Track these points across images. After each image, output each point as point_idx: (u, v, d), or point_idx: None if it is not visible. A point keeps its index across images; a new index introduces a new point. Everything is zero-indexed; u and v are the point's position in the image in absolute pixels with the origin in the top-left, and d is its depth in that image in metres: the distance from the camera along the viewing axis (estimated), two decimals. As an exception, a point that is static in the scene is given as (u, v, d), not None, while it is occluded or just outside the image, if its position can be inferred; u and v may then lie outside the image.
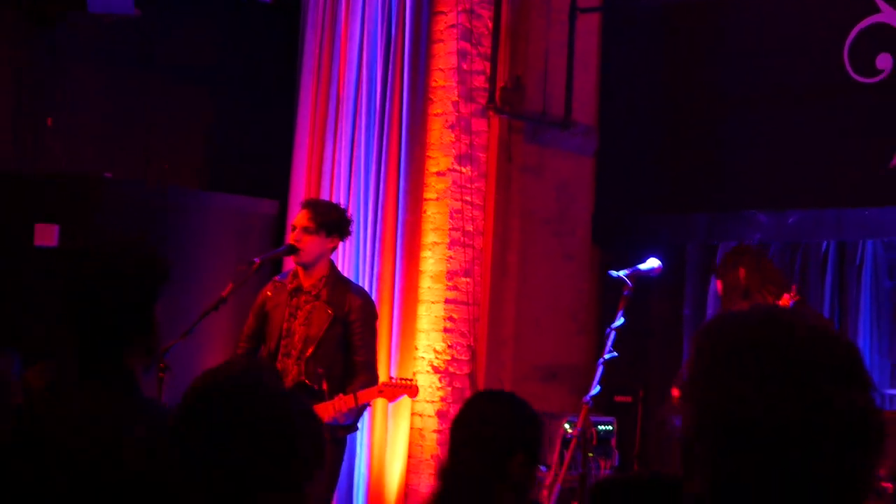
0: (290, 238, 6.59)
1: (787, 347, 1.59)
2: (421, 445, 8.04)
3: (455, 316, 8.11)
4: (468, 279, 8.14)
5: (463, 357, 8.11)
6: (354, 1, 8.47)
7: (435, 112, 8.24)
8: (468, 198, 8.16)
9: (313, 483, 2.25)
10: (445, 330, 8.09)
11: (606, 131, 8.95)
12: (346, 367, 6.51)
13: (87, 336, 2.82)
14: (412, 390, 6.48)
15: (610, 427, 7.75)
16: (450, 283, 8.11)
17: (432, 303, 8.14)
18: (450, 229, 8.12)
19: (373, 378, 6.51)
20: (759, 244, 7.96)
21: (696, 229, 8.41)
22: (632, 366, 7.78)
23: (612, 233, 8.92)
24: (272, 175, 8.73)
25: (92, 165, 8.01)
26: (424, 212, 8.22)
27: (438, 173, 8.19)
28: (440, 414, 8.00)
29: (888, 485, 5.38)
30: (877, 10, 7.71)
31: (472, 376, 8.10)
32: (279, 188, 8.64)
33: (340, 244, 6.80)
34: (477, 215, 8.21)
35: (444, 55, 8.22)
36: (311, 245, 6.51)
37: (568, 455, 6.03)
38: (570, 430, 7.29)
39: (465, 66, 8.20)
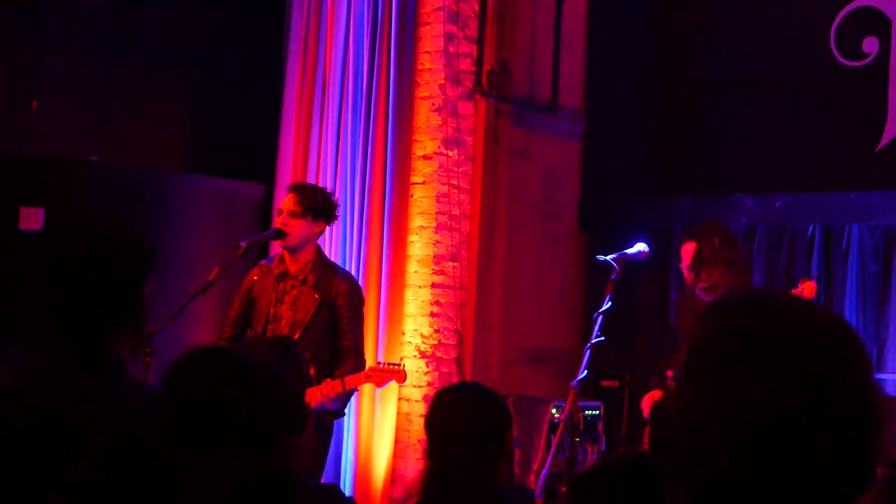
0: (277, 222, 6.57)
1: (790, 334, 1.57)
2: (408, 430, 8.03)
3: (442, 300, 8.10)
4: (455, 263, 8.13)
5: (450, 341, 8.10)
6: (341, -16, 8.44)
7: (421, 95, 8.22)
8: (455, 182, 8.15)
9: (295, 449, 2.24)
10: (432, 314, 8.08)
11: (593, 115, 8.94)
12: (333, 352, 6.50)
13: (72, 319, 2.79)
14: (400, 375, 6.47)
15: (597, 412, 7.76)
16: (436, 268, 8.10)
17: (419, 287, 8.13)
18: (436, 213, 8.10)
19: (360, 363, 6.50)
20: (746, 228, 7.98)
21: (682, 213, 8.41)
22: (619, 350, 7.80)
23: (599, 217, 8.92)
24: (258, 158, 8.71)
25: (77, 148, 7.98)
26: (411, 196, 8.20)
27: (425, 157, 8.17)
28: (427, 399, 7.99)
29: (878, 469, 5.40)
30: (863, -7, 7.71)
31: (458, 361, 8.10)
32: (265, 171, 8.62)
33: (327, 229, 6.78)
34: (464, 199, 8.19)
35: (431, 38, 8.19)
36: (297, 229, 6.49)
37: (555, 440, 6.04)
38: (557, 415, 7.30)
39: (451, 49, 8.18)
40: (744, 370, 1.55)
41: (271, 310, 6.49)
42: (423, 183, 8.16)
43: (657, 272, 8.31)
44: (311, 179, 8.31)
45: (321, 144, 8.45)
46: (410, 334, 8.11)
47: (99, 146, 8.17)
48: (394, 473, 8.06)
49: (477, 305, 8.18)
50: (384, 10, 8.26)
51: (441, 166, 8.12)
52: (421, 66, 8.24)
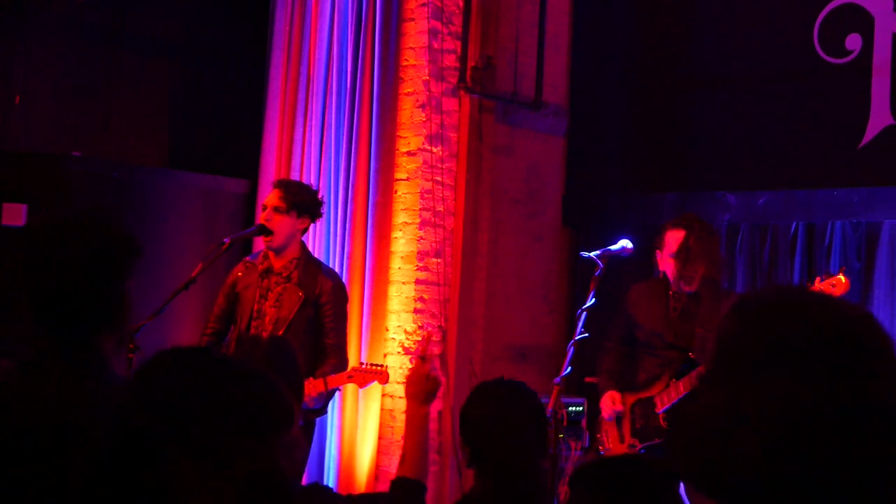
0: (261, 218, 6.56)
1: (826, 331, 1.55)
2: (391, 427, 8.03)
3: (426, 296, 8.10)
4: (439, 260, 8.13)
5: (434, 338, 8.09)
6: (325, -21, 8.43)
7: (406, 91, 8.21)
8: (439, 178, 8.14)
9: (288, 450, 2.22)
10: (416, 311, 8.08)
11: (577, 112, 8.95)
12: (316, 350, 6.49)
13: (55, 315, 2.78)
14: (382, 376, 6.46)
15: (580, 408, 7.76)
16: (420, 264, 8.10)
17: (403, 283, 8.12)
18: (420, 209, 8.10)
19: (343, 361, 6.50)
20: (729, 225, 7.99)
21: (666, 210, 8.41)
22: (603, 346, 7.79)
23: (583, 213, 8.92)
24: (242, 154, 8.70)
25: (60, 144, 7.95)
26: (395, 192, 8.20)
27: (409, 153, 8.16)
28: (411, 394, 7.98)
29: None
30: (847, -10, 7.73)
31: (442, 357, 8.10)
32: (249, 167, 8.61)
33: (311, 225, 6.78)
34: (448, 195, 8.19)
35: (415, 34, 8.19)
36: (281, 225, 6.48)
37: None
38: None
39: (436, 45, 8.17)
40: (782, 370, 1.53)
41: (255, 306, 6.48)
42: (407, 179, 8.16)
43: (641, 269, 8.31)
44: (294, 175, 8.31)
45: (305, 140, 8.44)
46: (394, 331, 8.10)
47: (82, 142, 8.14)
48: (377, 470, 8.05)
49: (461, 302, 8.17)
50: (368, 6, 8.25)
51: (425, 162, 8.11)
52: (405, 62, 8.23)
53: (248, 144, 8.64)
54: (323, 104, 8.40)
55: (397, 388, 8.01)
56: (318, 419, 6.77)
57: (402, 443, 7.64)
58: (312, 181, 8.15)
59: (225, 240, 6.42)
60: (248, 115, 8.75)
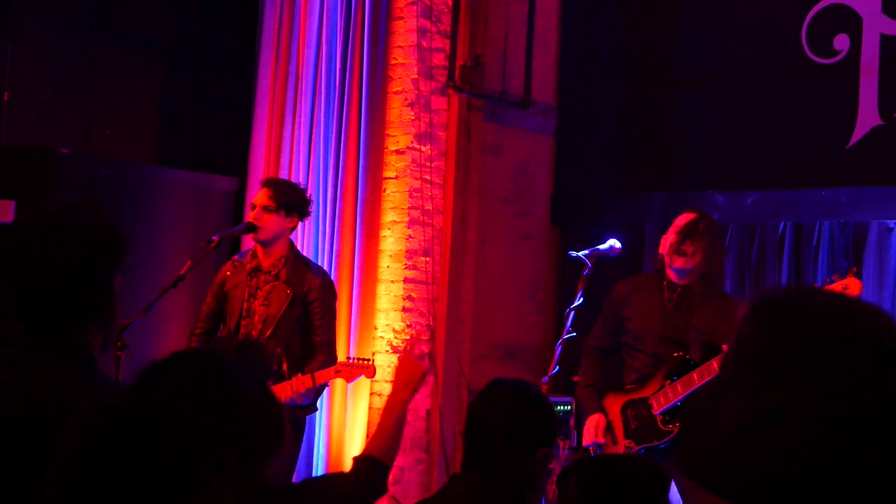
0: (250, 217, 6.56)
1: (849, 331, 1.54)
2: (379, 424, 8.02)
3: (414, 295, 8.10)
4: (427, 258, 8.13)
5: (423, 337, 8.09)
6: (314, -23, 8.43)
7: (394, 90, 8.21)
8: (427, 176, 8.14)
9: (273, 461, 2.21)
10: (404, 309, 8.08)
11: (566, 111, 8.96)
12: (305, 348, 6.50)
13: (41, 311, 2.76)
14: (369, 370, 6.46)
15: (568, 407, 7.76)
16: (409, 263, 8.10)
17: (391, 282, 8.12)
18: (409, 208, 8.10)
19: (331, 358, 6.50)
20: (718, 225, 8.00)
21: (654, 210, 8.43)
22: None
23: (571, 212, 8.93)
24: (231, 152, 8.69)
25: (48, 140, 7.94)
26: (384, 190, 8.20)
27: (398, 151, 8.16)
28: (399, 393, 7.98)
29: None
30: (835, -9, 7.75)
31: (430, 356, 8.10)
32: (238, 165, 8.60)
33: (299, 224, 6.78)
34: (436, 194, 8.19)
35: (404, 32, 8.19)
36: (270, 224, 6.48)
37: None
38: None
39: (424, 44, 8.17)
40: (806, 370, 1.53)
41: (244, 305, 6.49)
42: (396, 178, 8.16)
43: (629, 268, 8.32)
44: (283, 173, 8.31)
45: (294, 138, 8.44)
46: (382, 329, 8.10)
47: (70, 139, 8.13)
48: (365, 468, 8.05)
49: (449, 301, 8.18)
50: (357, 4, 8.25)
51: (414, 161, 8.11)
52: (394, 61, 8.23)
53: (237, 142, 8.64)
54: (312, 102, 8.40)
55: (385, 386, 8.01)
56: (307, 417, 6.77)
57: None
58: (301, 179, 8.15)
59: (213, 238, 6.42)
60: (237, 113, 8.74)
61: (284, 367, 6.36)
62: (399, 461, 7.89)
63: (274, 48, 8.56)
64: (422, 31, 8.15)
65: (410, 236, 8.09)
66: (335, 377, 6.46)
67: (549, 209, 8.93)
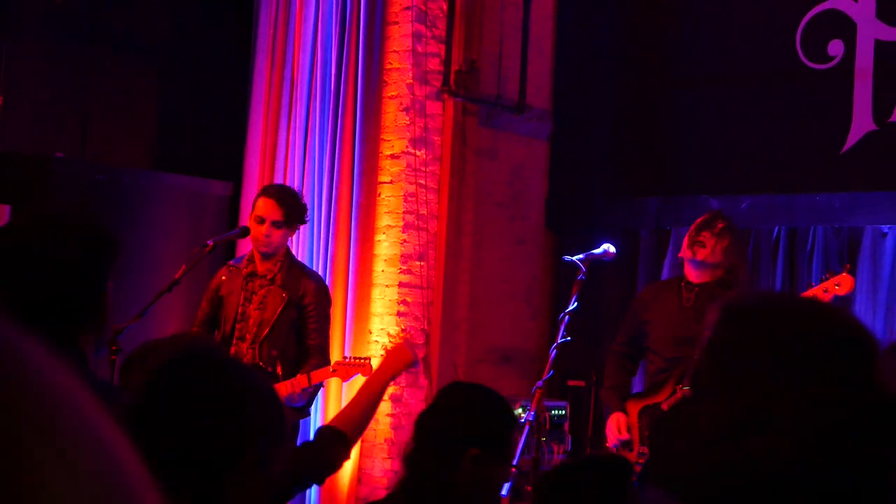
0: (262, 231, 6.48)
1: (823, 336, 1.57)
2: (374, 429, 8.03)
3: (409, 300, 8.11)
4: (422, 263, 8.13)
5: (417, 341, 8.10)
6: (309, -18, 8.43)
7: (389, 94, 8.22)
8: (422, 181, 8.15)
9: (276, 459, 2.22)
10: (399, 314, 8.08)
11: (561, 115, 8.97)
12: (299, 351, 6.50)
13: (32, 313, 2.75)
14: (366, 369, 6.44)
15: (563, 411, 7.77)
16: (404, 267, 8.10)
17: (386, 286, 8.13)
18: (404, 212, 8.11)
19: (325, 361, 6.51)
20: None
21: (649, 214, 8.45)
22: (585, 350, 7.80)
23: (566, 217, 8.94)
24: (226, 157, 8.69)
25: (43, 145, 7.94)
26: (379, 195, 8.20)
27: (393, 156, 8.17)
28: (394, 398, 7.99)
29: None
30: (829, -4, 7.77)
31: (425, 360, 8.10)
32: (233, 169, 8.60)
33: (294, 228, 6.79)
34: (431, 199, 8.20)
35: (399, 37, 8.20)
36: (278, 238, 6.50)
37: (521, 439, 6.04)
38: (523, 415, 7.30)
39: (419, 49, 8.18)
40: (785, 374, 1.54)
41: (240, 309, 6.49)
42: (391, 182, 8.17)
43: (624, 272, 8.33)
44: (278, 178, 8.31)
45: (289, 143, 8.44)
46: (377, 333, 8.11)
47: (65, 143, 8.13)
48: (360, 472, 8.05)
49: (444, 305, 8.18)
50: (352, 9, 8.25)
51: (409, 166, 8.12)
52: (389, 66, 8.24)
53: (232, 146, 8.63)
54: (307, 107, 8.40)
55: (380, 390, 8.01)
56: (300, 421, 6.78)
57: (385, 445, 7.62)
58: (296, 184, 8.15)
59: (208, 242, 6.41)
60: (232, 118, 8.74)
61: (279, 369, 6.37)
62: (394, 465, 7.89)
63: (269, 53, 8.56)
64: (417, 36, 8.16)
65: (405, 241, 8.10)
66: (331, 376, 6.46)
67: (544, 214, 8.95)
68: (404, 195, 8.10)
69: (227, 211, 8.56)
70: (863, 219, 7.59)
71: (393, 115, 8.18)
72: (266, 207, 6.46)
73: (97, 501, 0.75)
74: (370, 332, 8.12)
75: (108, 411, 0.82)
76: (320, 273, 7.73)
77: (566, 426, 7.74)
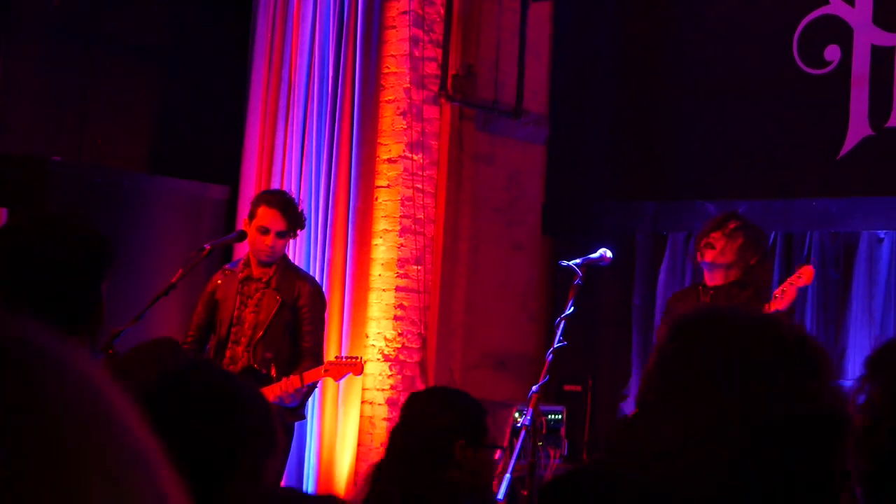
0: (266, 242, 6.47)
1: (770, 349, 1.59)
2: (371, 433, 8.03)
3: (406, 304, 8.11)
4: (419, 267, 8.14)
5: (413, 345, 8.10)
6: (307, -14, 8.44)
7: (387, 99, 8.23)
8: (419, 185, 8.16)
9: (269, 467, 2.24)
10: (396, 318, 8.09)
11: (558, 120, 8.97)
12: (294, 354, 6.50)
13: (26, 314, 2.73)
14: (357, 367, 6.43)
15: (559, 416, 7.77)
16: (400, 271, 8.11)
17: (383, 290, 8.13)
18: (401, 217, 8.11)
19: (318, 363, 6.50)
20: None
21: (645, 219, 8.46)
22: (581, 355, 7.81)
23: (563, 222, 8.95)
24: (223, 160, 8.68)
25: (41, 148, 7.94)
26: (376, 199, 8.21)
27: (390, 160, 8.18)
28: (390, 402, 7.99)
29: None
30: (825, 1, 7.77)
31: (422, 364, 8.11)
32: (230, 173, 8.60)
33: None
34: (428, 203, 8.20)
35: (397, 41, 8.20)
36: (281, 247, 6.53)
37: (518, 444, 6.04)
38: (519, 419, 7.31)
39: (417, 53, 8.19)
40: (739, 386, 1.56)
41: (235, 313, 6.49)
42: (388, 186, 8.17)
43: (620, 277, 8.34)
44: (275, 182, 8.31)
45: (286, 147, 8.44)
46: (374, 337, 8.11)
47: (62, 146, 8.12)
48: (356, 476, 8.05)
49: (440, 309, 8.18)
50: (350, 13, 8.26)
51: (406, 170, 8.12)
52: (386, 70, 8.24)
53: (229, 150, 8.64)
54: (304, 111, 8.40)
55: (377, 394, 8.03)
56: (297, 424, 6.78)
57: (381, 449, 7.63)
58: (293, 188, 8.15)
59: (205, 245, 6.41)
60: (229, 121, 8.74)
61: (273, 372, 6.37)
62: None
63: (266, 56, 8.56)
64: (414, 41, 8.17)
65: (402, 245, 8.10)
66: (324, 376, 6.46)
67: (540, 218, 8.95)
68: (401, 199, 8.11)
69: (224, 214, 8.56)
70: (859, 224, 7.60)
71: (390, 120, 8.19)
72: (270, 217, 6.44)
73: None
74: (367, 336, 8.12)
75: (144, 421, 0.83)
76: (317, 277, 7.74)
77: (563, 431, 7.74)
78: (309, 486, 8.03)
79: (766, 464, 1.54)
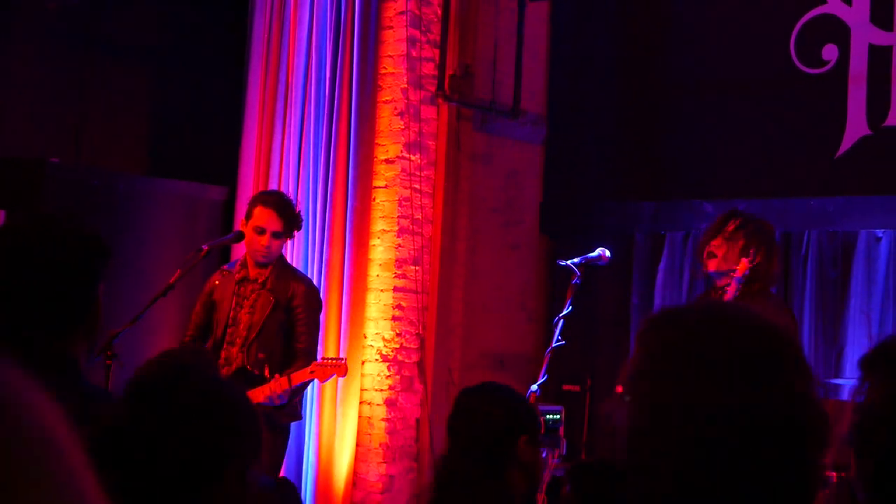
0: (262, 242, 6.48)
1: (732, 342, 1.61)
2: (369, 434, 8.03)
3: (404, 304, 8.11)
4: (417, 267, 8.14)
5: (411, 345, 8.10)
6: (304, -13, 8.44)
7: (384, 99, 8.23)
8: (417, 186, 8.16)
9: (252, 471, 2.24)
10: (394, 318, 8.09)
11: (555, 120, 8.98)
12: (287, 354, 6.50)
13: (24, 318, 2.73)
14: (341, 369, 6.43)
15: (558, 416, 7.77)
16: (398, 272, 8.11)
17: (381, 291, 8.13)
18: (398, 217, 8.11)
19: (309, 364, 6.51)
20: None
21: (643, 218, 8.46)
22: (580, 354, 7.81)
23: (561, 221, 8.95)
24: (220, 161, 8.68)
25: (38, 150, 7.93)
26: (373, 199, 8.21)
27: (387, 161, 8.17)
28: (388, 402, 7.99)
29: (832, 473, 5.44)
30: (823, 1, 7.78)
31: (420, 364, 8.10)
32: (227, 174, 8.60)
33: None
34: (426, 203, 8.20)
35: (394, 42, 8.20)
36: (279, 248, 6.54)
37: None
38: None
39: (414, 54, 8.19)
40: (704, 381, 1.58)
41: (231, 314, 6.50)
42: (386, 187, 8.17)
43: (618, 277, 8.34)
44: (273, 183, 8.31)
45: (283, 147, 8.44)
46: (372, 338, 8.11)
47: (59, 148, 8.12)
48: (355, 477, 8.05)
49: (439, 309, 8.19)
50: (347, 14, 8.26)
51: (403, 170, 8.12)
52: (384, 70, 8.24)
53: (226, 151, 8.64)
54: (301, 111, 8.40)
55: (376, 395, 8.02)
56: (294, 425, 6.78)
57: (380, 450, 7.62)
58: (291, 189, 8.16)
59: (203, 246, 6.41)
60: (226, 122, 8.74)
61: (266, 372, 6.37)
62: (389, 469, 7.90)
63: (263, 57, 8.56)
64: (411, 41, 8.17)
65: (400, 245, 8.10)
66: (310, 377, 6.45)
67: (538, 218, 8.95)
68: (399, 200, 8.11)
69: (221, 215, 8.56)
70: (857, 223, 7.60)
71: (387, 120, 8.19)
72: (266, 218, 6.45)
73: None
74: (365, 337, 8.12)
75: (76, 436, 0.84)
76: (315, 277, 7.74)
77: (561, 430, 7.74)
78: (307, 486, 8.03)
79: (719, 463, 1.56)
